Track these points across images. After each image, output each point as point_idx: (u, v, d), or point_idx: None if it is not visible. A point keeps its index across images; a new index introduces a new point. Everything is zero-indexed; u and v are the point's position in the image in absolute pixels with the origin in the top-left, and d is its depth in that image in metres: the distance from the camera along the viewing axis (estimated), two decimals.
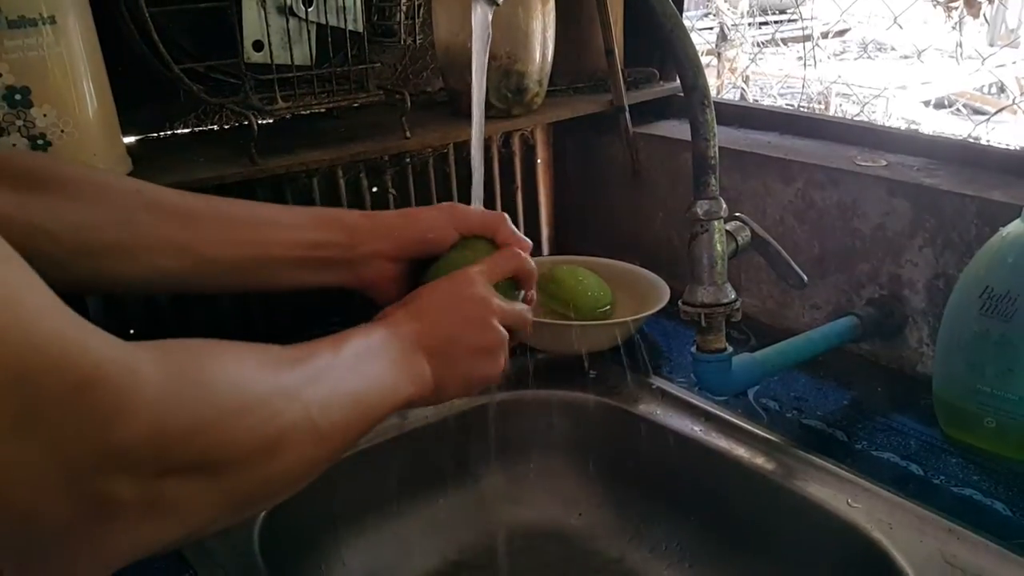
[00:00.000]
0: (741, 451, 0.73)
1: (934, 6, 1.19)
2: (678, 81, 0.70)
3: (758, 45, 2.89)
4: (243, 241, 0.57)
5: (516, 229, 0.61)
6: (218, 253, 0.56)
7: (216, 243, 0.56)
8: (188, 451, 0.36)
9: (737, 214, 0.72)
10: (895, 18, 1.27)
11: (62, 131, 0.69)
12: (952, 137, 1.04)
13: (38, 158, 0.64)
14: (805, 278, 0.75)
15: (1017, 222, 0.67)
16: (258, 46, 0.80)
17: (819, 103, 2.78)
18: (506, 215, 0.61)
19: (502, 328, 0.55)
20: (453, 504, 0.82)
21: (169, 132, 0.90)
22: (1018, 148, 0.84)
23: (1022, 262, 0.66)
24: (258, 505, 0.44)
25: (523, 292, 0.61)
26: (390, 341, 0.51)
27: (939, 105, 3.22)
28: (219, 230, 0.57)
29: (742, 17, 2.59)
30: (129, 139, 0.84)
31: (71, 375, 0.32)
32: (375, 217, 0.62)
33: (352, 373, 0.47)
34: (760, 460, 0.72)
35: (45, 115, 0.69)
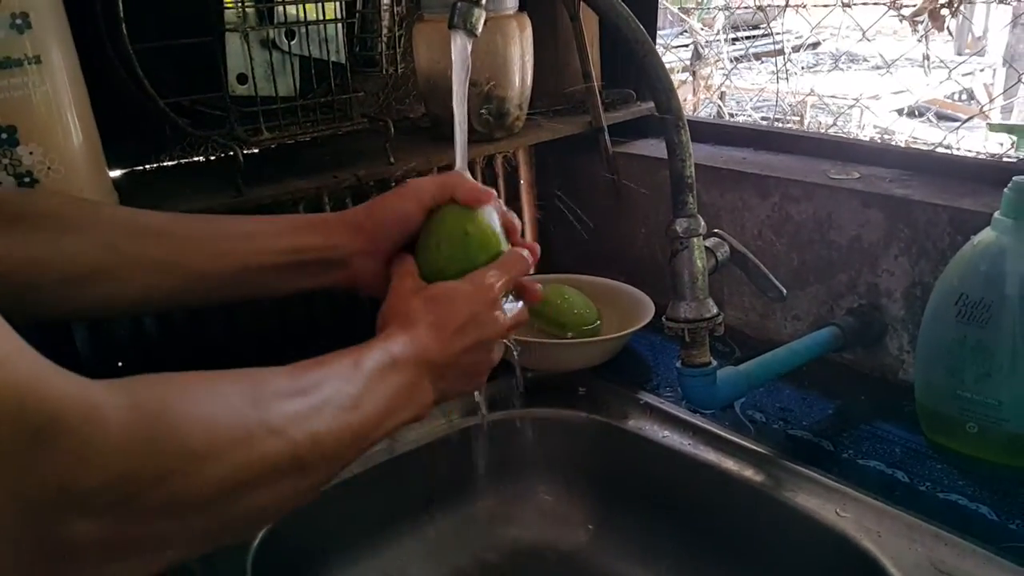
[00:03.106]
0: (730, 463, 0.74)
1: (900, 20, 1.22)
2: None
3: (732, 60, 2.93)
4: (226, 253, 0.58)
5: (472, 179, 0.61)
6: (204, 267, 0.58)
7: (200, 258, 0.58)
8: (155, 496, 0.35)
9: (716, 230, 0.73)
10: (863, 32, 1.31)
11: (48, 168, 0.70)
12: (922, 148, 1.06)
13: (24, 195, 0.65)
14: (784, 291, 0.76)
15: (987, 230, 0.69)
16: (242, 79, 0.82)
17: (795, 115, 2.82)
18: (461, 173, 0.62)
19: (497, 350, 0.58)
20: (448, 527, 0.83)
21: (156, 165, 0.91)
22: (986, 156, 0.86)
23: (994, 269, 0.67)
24: (236, 536, 0.43)
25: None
26: (405, 363, 0.51)
27: (912, 114, 3.27)
28: (202, 245, 0.58)
29: (717, 34, 2.63)
30: (116, 173, 0.85)
31: (29, 422, 0.32)
32: (344, 215, 0.63)
33: (356, 401, 0.47)
34: (749, 472, 0.73)
35: (31, 153, 0.69)
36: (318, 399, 0.44)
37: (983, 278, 0.68)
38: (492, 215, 0.61)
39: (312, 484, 0.44)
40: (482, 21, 0.63)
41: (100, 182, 0.76)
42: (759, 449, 0.75)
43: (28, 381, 0.32)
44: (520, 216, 1.16)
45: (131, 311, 0.73)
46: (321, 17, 0.83)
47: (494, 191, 0.62)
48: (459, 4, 0.62)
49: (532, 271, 0.62)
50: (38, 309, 0.55)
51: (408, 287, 0.57)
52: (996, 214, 0.68)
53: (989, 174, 0.82)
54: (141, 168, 0.90)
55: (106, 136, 0.75)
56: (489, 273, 0.57)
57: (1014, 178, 0.67)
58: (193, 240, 0.58)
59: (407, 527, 0.81)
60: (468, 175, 0.63)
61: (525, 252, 0.61)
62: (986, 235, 0.69)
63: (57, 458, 0.32)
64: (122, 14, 0.73)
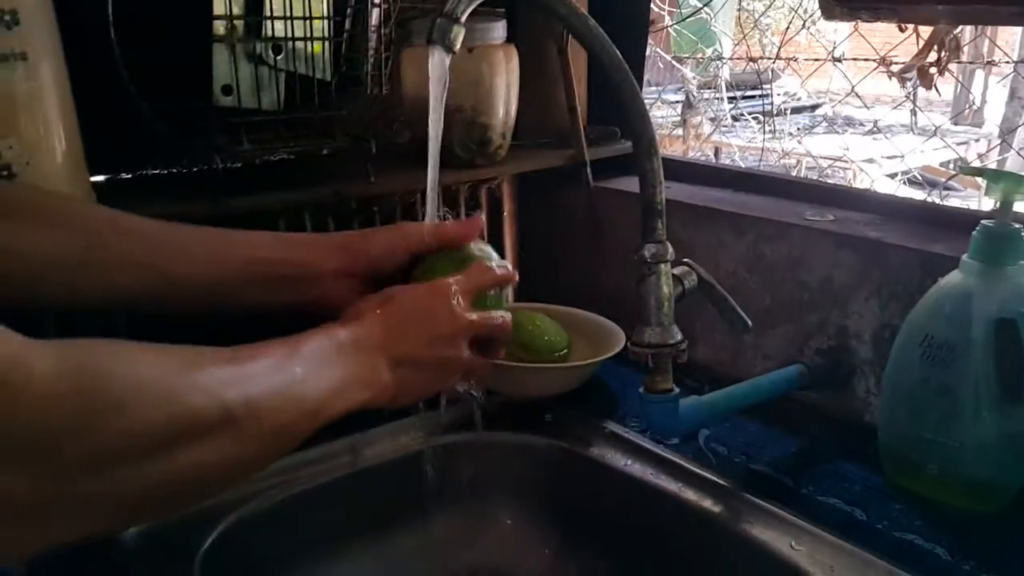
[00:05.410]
0: (690, 493, 0.74)
1: (889, 77, 1.25)
2: None
3: (732, 118, 2.99)
4: (199, 259, 0.59)
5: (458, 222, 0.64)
6: (174, 270, 0.58)
7: (172, 261, 0.58)
8: (81, 445, 0.36)
9: (685, 259, 0.74)
10: (852, 88, 1.33)
11: (27, 163, 0.70)
12: (897, 195, 1.07)
13: (9, 186, 0.66)
14: (750, 322, 0.76)
15: (955, 272, 0.69)
16: (227, 90, 0.83)
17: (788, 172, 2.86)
18: (448, 221, 0.64)
19: (466, 349, 0.58)
20: (406, 547, 0.81)
21: (138, 172, 0.91)
22: (959, 207, 0.87)
23: (959, 311, 0.67)
24: (174, 502, 0.43)
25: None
26: (352, 346, 0.52)
27: (905, 180, 3.31)
28: (177, 249, 0.59)
29: (713, 83, 2.69)
30: (97, 178, 0.85)
31: None
32: (332, 235, 0.65)
33: (299, 375, 0.47)
34: (707, 503, 0.72)
35: (11, 148, 0.69)
36: (253, 369, 0.45)
37: (948, 320, 0.68)
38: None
39: (253, 454, 0.44)
40: (460, 38, 0.64)
41: (79, 184, 0.76)
42: (719, 481, 0.74)
43: None
44: (501, 246, 1.17)
45: (97, 307, 0.74)
46: (309, 35, 0.84)
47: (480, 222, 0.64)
48: (438, 20, 0.63)
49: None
50: (8, 296, 0.55)
51: (366, 298, 0.57)
52: (964, 256, 0.69)
53: (962, 221, 0.83)
54: (123, 175, 0.91)
55: (89, 142, 0.76)
56: (449, 278, 0.58)
57: (982, 221, 0.68)
58: (169, 243, 0.59)
59: (365, 544, 0.80)
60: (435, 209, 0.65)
61: (494, 265, 0.62)
62: (953, 277, 0.69)
63: None
64: (111, 19, 0.75)
